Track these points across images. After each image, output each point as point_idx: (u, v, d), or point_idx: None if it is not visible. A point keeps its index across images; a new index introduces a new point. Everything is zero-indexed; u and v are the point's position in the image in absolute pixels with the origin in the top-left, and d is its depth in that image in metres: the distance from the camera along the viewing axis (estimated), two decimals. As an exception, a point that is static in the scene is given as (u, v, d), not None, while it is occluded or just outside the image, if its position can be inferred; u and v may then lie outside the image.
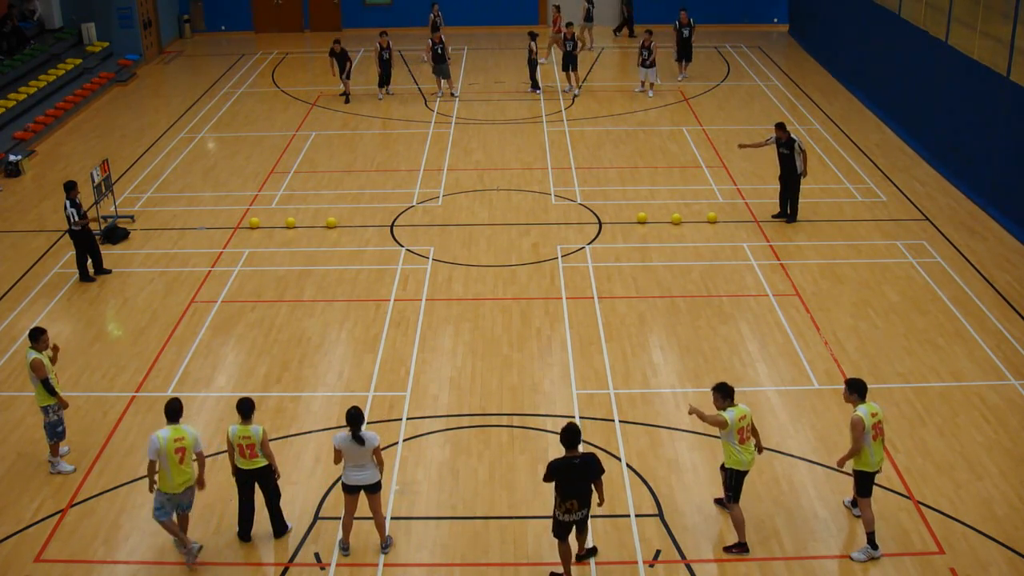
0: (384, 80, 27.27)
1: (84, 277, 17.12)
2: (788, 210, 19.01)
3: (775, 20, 35.23)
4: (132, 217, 19.66)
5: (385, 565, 10.83)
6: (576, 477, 10.08)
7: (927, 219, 19.21)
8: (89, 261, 17.15)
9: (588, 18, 31.86)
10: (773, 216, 19.11)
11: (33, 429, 13.10)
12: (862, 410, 10.58)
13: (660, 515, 11.47)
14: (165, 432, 10.58)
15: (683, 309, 15.93)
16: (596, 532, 11.15)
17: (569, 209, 19.80)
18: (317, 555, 10.99)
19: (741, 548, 10.83)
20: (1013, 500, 11.64)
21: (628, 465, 12.30)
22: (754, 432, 10.85)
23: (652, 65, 26.76)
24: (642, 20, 35.18)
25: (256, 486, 11.05)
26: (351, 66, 27.16)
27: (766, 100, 26.88)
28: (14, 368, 14.64)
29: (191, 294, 16.69)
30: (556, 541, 10.34)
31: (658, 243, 18.18)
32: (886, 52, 25.23)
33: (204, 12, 35.43)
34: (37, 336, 12.13)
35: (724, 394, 10.64)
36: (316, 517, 11.52)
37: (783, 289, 16.56)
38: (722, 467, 10.88)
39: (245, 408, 10.76)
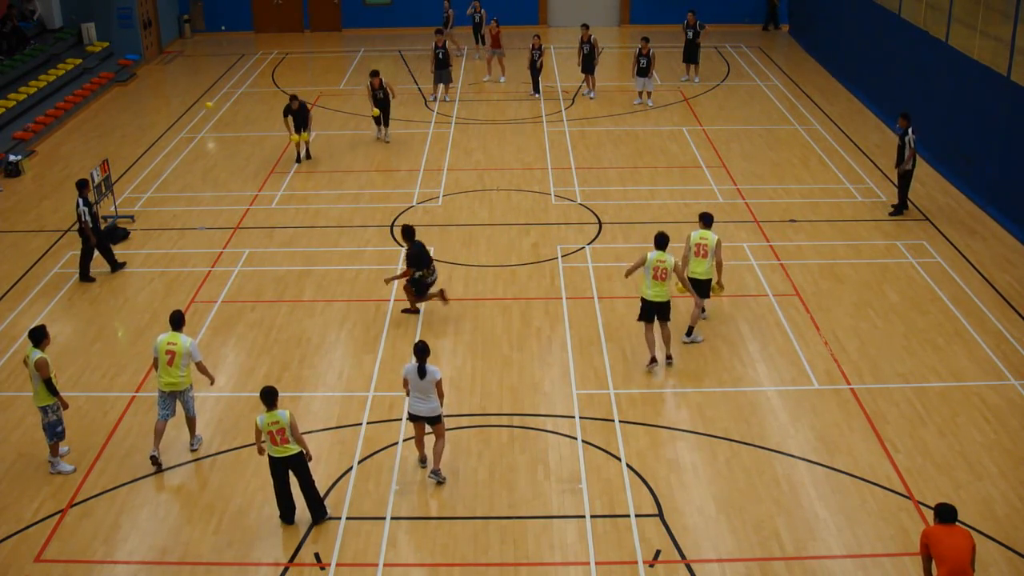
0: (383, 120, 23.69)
1: (115, 267, 17.46)
2: (899, 201, 19.35)
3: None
4: (132, 217, 19.66)
5: (385, 565, 10.83)
6: (424, 252, 15.31)
7: (927, 219, 19.21)
8: (94, 260, 17.25)
9: (446, 23, 30.07)
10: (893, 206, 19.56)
11: (33, 429, 13.10)
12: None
13: (660, 515, 11.47)
14: (163, 336, 12.31)
15: (683, 309, 15.92)
16: (596, 532, 11.19)
17: (569, 209, 19.80)
18: (317, 555, 11.00)
19: (652, 361, 14.26)
20: (1013, 500, 11.65)
21: (628, 465, 12.30)
22: (678, 277, 14.14)
23: (648, 75, 25.67)
24: (641, 20, 35.25)
25: (291, 474, 11.25)
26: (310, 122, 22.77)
27: (766, 100, 26.88)
28: (14, 368, 14.63)
29: (191, 294, 16.69)
30: (416, 298, 15.59)
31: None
32: (886, 52, 25.23)
33: (204, 12, 35.43)
34: (41, 336, 12.17)
35: (656, 242, 14.08)
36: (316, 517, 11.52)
37: (783, 289, 16.56)
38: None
39: (269, 396, 11.08)
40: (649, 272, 13.96)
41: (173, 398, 12.37)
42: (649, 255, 14.02)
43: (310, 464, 11.34)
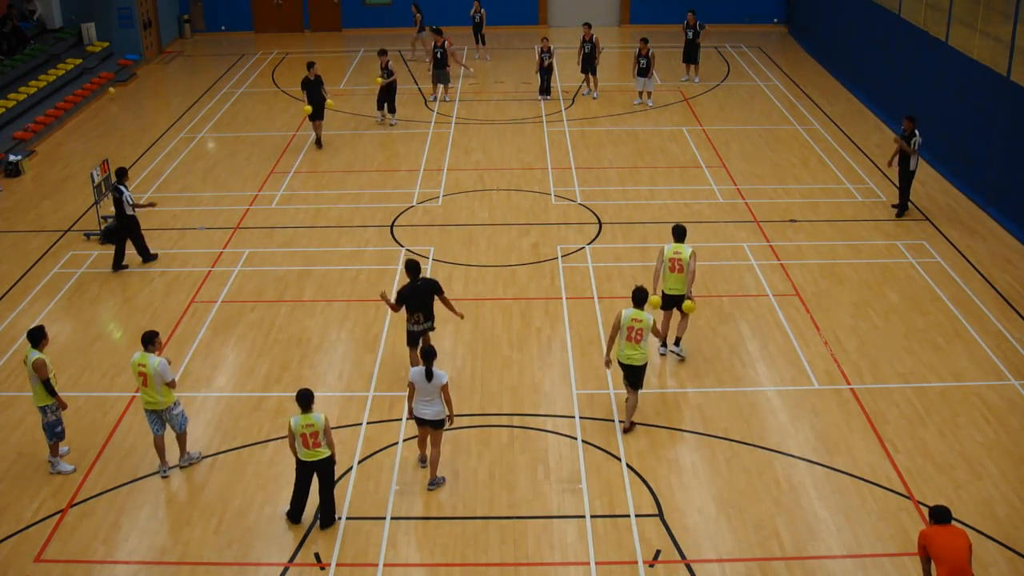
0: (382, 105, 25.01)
1: (118, 266, 17.51)
2: (900, 201, 19.38)
3: (775, 20, 35.23)
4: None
5: (385, 565, 10.83)
6: (418, 296, 13.32)
7: (927, 219, 19.22)
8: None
9: (421, 29, 30.09)
10: (892, 205, 19.60)
11: (33, 429, 13.10)
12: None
13: (660, 515, 11.47)
14: (135, 356, 12.02)
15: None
16: (596, 532, 11.19)
17: (569, 209, 19.80)
18: (317, 555, 11.00)
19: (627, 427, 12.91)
20: (1013, 500, 11.65)
21: (628, 465, 12.30)
22: (653, 334, 12.77)
23: (648, 75, 25.70)
24: (641, 20, 35.25)
25: (314, 476, 11.27)
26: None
27: (766, 100, 26.89)
28: (14, 368, 14.64)
29: (191, 294, 16.69)
30: (409, 350, 13.83)
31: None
32: (886, 52, 25.23)
33: (204, 12, 35.44)
34: (40, 336, 12.17)
35: (633, 298, 12.63)
36: (316, 517, 11.51)
37: (783, 289, 16.56)
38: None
39: (305, 398, 11.04)
40: (623, 332, 12.52)
41: (158, 415, 12.07)
42: (624, 312, 12.51)
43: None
